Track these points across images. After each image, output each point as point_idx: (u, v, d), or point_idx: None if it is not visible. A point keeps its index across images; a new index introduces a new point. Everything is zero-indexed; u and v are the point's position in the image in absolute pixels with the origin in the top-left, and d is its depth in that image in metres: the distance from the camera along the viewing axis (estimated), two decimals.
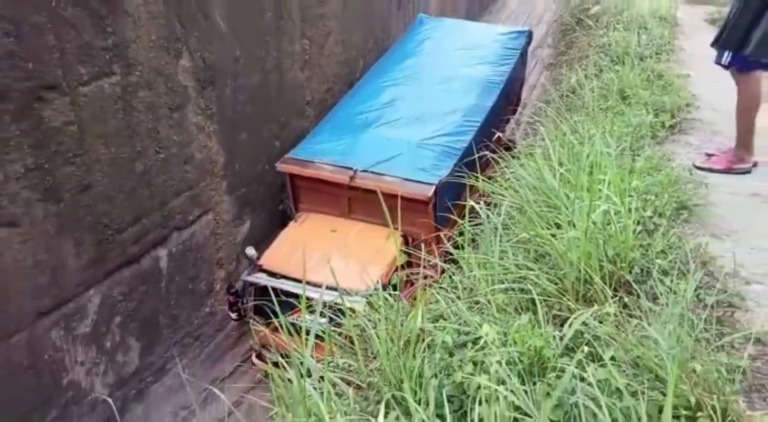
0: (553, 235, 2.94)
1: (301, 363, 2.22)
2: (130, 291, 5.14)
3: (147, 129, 5.02)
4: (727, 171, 4.26)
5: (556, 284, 2.74)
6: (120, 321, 5.08)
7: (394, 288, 2.94)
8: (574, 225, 2.90)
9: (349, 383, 2.42)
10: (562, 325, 2.33)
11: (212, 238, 6.14)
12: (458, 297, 2.80)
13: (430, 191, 5.49)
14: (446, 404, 1.96)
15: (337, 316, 2.93)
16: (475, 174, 4.05)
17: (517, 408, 1.89)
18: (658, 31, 7.79)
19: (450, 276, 3.18)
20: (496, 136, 6.30)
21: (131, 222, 5.02)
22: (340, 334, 2.84)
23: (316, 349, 2.47)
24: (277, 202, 6.91)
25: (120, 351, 5.14)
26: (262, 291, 5.18)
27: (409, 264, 4.85)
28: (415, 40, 8.40)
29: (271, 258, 5.55)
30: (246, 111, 6.29)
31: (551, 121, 5.22)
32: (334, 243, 5.56)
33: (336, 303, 2.96)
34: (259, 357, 5.64)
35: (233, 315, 5.57)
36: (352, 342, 2.61)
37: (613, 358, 2.10)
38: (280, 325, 2.54)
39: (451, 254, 3.44)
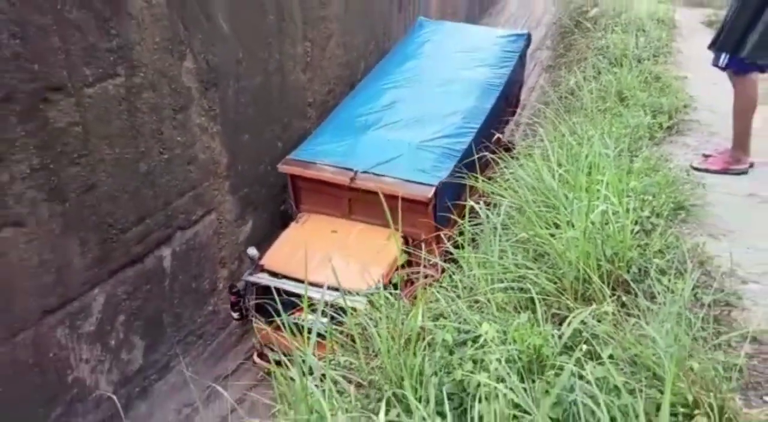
0: (552, 235, 2.94)
1: (303, 361, 2.22)
2: (134, 290, 5.15)
3: (151, 130, 5.02)
4: (724, 172, 4.26)
5: (555, 283, 2.73)
6: (124, 320, 5.09)
7: (395, 287, 2.94)
8: (573, 225, 2.90)
9: (350, 381, 2.42)
10: (560, 324, 2.33)
11: (215, 238, 6.14)
12: (458, 296, 2.80)
13: (430, 192, 5.49)
14: (446, 401, 1.95)
15: (339, 315, 2.94)
16: (475, 174, 4.05)
17: (517, 406, 1.89)
18: (655, 33, 7.79)
19: (450, 276, 3.18)
20: (496, 137, 6.31)
21: (135, 222, 5.03)
22: (341, 333, 2.84)
23: (318, 348, 2.47)
24: (279, 202, 6.91)
25: (124, 349, 5.15)
26: (264, 291, 5.18)
27: (409, 264, 4.85)
28: (415, 42, 8.40)
29: (273, 258, 5.55)
30: (248, 112, 6.29)
31: (550, 122, 5.22)
32: (334, 244, 5.56)
33: (337, 303, 2.95)
34: (261, 356, 5.64)
35: (235, 315, 5.58)
36: (353, 341, 2.61)
37: (611, 356, 2.09)
38: (283, 324, 2.54)
39: (451, 253, 3.44)
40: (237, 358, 6.28)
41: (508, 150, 5.67)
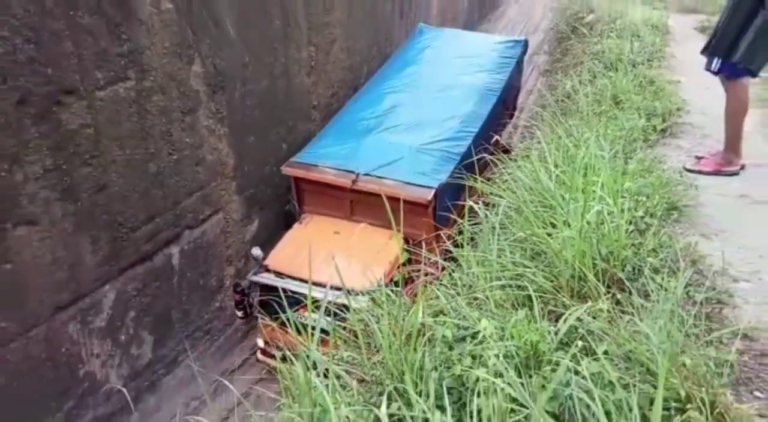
0: (549, 234, 2.94)
1: (307, 356, 2.23)
2: (144, 287, 5.15)
3: (160, 132, 5.03)
4: (716, 173, 4.26)
5: (552, 281, 2.73)
6: (134, 316, 5.09)
7: (396, 284, 2.94)
8: (569, 225, 2.90)
9: (352, 375, 2.42)
10: (557, 321, 2.33)
11: (222, 236, 6.15)
12: (458, 294, 2.80)
13: (429, 194, 5.48)
14: (446, 396, 1.96)
15: (342, 311, 2.94)
16: (474, 175, 4.05)
17: (514, 400, 1.89)
18: (650, 38, 7.78)
19: (450, 274, 3.18)
20: (494, 139, 6.30)
21: (145, 221, 5.03)
22: (344, 329, 2.84)
23: (322, 344, 2.47)
24: (284, 202, 6.92)
25: (134, 344, 5.15)
26: (268, 290, 5.18)
27: (409, 263, 4.85)
28: (415, 48, 8.38)
29: (277, 258, 5.55)
30: (255, 115, 6.30)
31: (547, 124, 5.22)
32: (337, 244, 5.55)
33: (339, 302, 2.96)
34: (264, 353, 5.63)
35: (239, 314, 5.57)
36: (356, 337, 2.61)
37: (606, 352, 2.09)
38: (287, 322, 2.54)
39: (451, 252, 3.44)
40: (243, 353, 6.29)
41: (506, 152, 5.66)
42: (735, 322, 2.53)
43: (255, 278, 5.37)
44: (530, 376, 2.04)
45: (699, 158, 4.45)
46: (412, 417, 1.98)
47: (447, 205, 5.53)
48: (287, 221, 6.57)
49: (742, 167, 4.29)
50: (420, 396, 2.03)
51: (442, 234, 4.14)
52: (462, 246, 3.26)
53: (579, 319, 2.28)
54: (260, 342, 5.62)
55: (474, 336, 2.29)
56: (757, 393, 2.21)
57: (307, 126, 7.37)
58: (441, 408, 1.92)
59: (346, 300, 2.73)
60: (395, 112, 6.76)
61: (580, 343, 2.08)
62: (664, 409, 1.83)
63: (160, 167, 5.09)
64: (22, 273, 4.03)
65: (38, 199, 4.05)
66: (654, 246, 2.96)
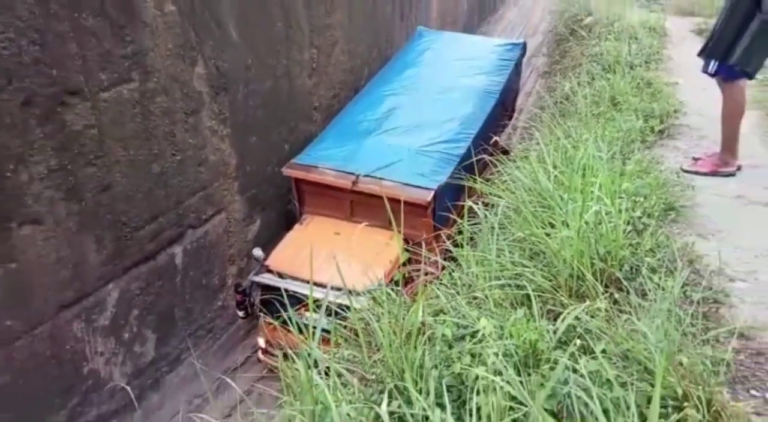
0: (548, 234, 2.94)
1: (309, 354, 2.23)
2: (147, 286, 5.15)
3: (164, 132, 5.03)
4: (712, 174, 4.25)
5: (550, 281, 2.73)
6: (137, 314, 5.10)
7: (396, 284, 2.94)
8: (568, 225, 2.90)
9: (353, 373, 2.42)
10: (555, 320, 2.33)
11: (225, 236, 6.15)
12: (457, 293, 2.79)
13: (429, 196, 5.48)
14: (446, 393, 1.96)
15: (343, 310, 2.94)
16: (474, 176, 4.05)
17: (513, 398, 1.89)
18: (647, 41, 7.77)
19: (449, 273, 3.18)
20: (494, 140, 6.29)
21: (148, 221, 5.04)
22: (345, 327, 2.84)
23: (323, 343, 2.47)
24: (286, 202, 6.92)
25: (137, 342, 5.16)
26: (269, 290, 5.17)
27: (409, 263, 4.84)
28: (415, 51, 8.38)
29: (278, 259, 5.54)
30: (257, 116, 6.30)
31: (546, 126, 5.21)
32: (337, 245, 5.54)
33: (339, 302, 2.95)
34: (265, 353, 5.62)
35: (241, 314, 5.57)
36: (356, 335, 2.61)
37: (604, 351, 2.09)
38: (288, 321, 2.54)
39: (451, 252, 3.43)
40: (245, 352, 6.29)
41: (505, 153, 5.66)
42: (731, 321, 2.53)
43: (256, 278, 5.37)
44: (529, 374, 2.04)
45: (696, 159, 4.44)
46: (412, 415, 1.98)
47: (447, 205, 5.52)
48: (289, 221, 6.57)
49: (739, 168, 4.29)
50: (420, 393, 2.03)
51: (442, 234, 4.14)
52: (462, 246, 3.26)
53: (577, 318, 2.28)
54: (261, 342, 5.61)
55: (473, 334, 2.29)
56: (754, 392, 2.21)
57: (309, 127, 7.38)
58: (441, 406, 1.92)
59: (346, 300, 2.73)
60: (395, 114, 6.75)
61: (578, 342, 2.08)
62: (661, 407, 1.83)
63: (163, 167, 5.09)
64: (27, 272, 4.03)
65: (43, 198, 4.05)
66: (651, 246, 2.96)
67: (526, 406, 1.85)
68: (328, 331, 2.79)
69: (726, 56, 4.00)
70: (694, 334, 2.31)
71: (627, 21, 8.61)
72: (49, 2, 3.85)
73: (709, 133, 4.88)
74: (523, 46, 8.64)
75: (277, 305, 4.14)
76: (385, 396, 2.05)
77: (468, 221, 3.34)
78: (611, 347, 2.16)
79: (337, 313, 2.87)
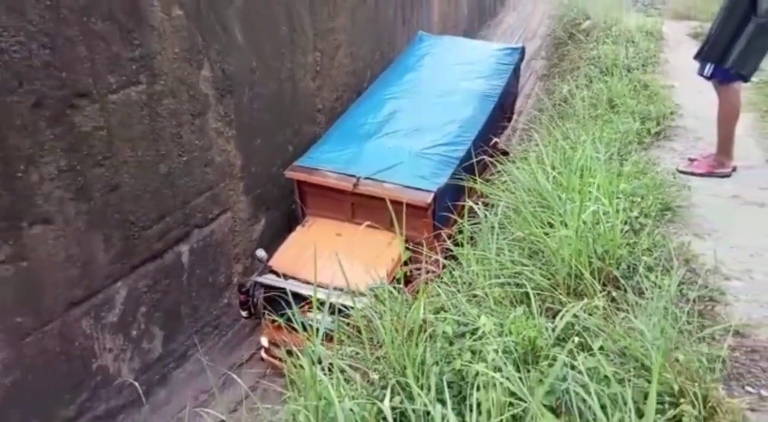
0: (546, 234, 2.94)
1: (313, 351, 2.23)
2: (155, 284, 5.16)
3: (171, 134, 5.04)
4: (708, 175, 4.25)
5: (549, 279, 2.73)
6: (145, 312, 5.10)
7: (398, 282, 2.94)
8: (566, 225, 2.90)
9: (356, 369, 2.42)
10: (554, 317, 2.32)
11: (230, 235, 6.15)
12: (458, 291, 2.79)
13: (429, 198, 5.46)
14: (446, 389, 1.96)
15: (346, 308, 2.94)
16: (474, 177, 4.05)
17: (512, 394, 1.89)
18: (644, 44, 7.76)
19: (450, 272, 3.18)
20: (493, 141, 6.28)
21: (156, 220, 5.04)
22: (348, 325, 2.84)
23: (326, 340, 2.47)
24: (290, 203, 6.91)
25: (145, 339, 5.16)
26: (272, 290, 5.15)
27: (409, 262, 4.84)
28: (415, 55, 8.36)
29: (280, 260, 5.52)
30: (262, 117, 6.30)
31: (545, 127, 5.21)
32: (339, 246, 5.53)
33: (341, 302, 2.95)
34: (267, 352, 5.61)
35: (244, 313, 5.55)
36: (359, 333, 2.61)
37: (601, 348, 2.09)
38: (292, 318, 2.54)
39: (451, 251, 3.43)
40: (250, 348, 6.29)
41: (505, 154, 5.65)
42: (727, 319, 2.52)
43: (259, 279, 5.35)
44: (528, 371, 2.04)
45: (692, 160, 4.44)
46: (413, 411, 1.98)
47: (447, 205, 5.52)
48: (292, 221, 6.57)
49: (734, 169, 4.28)
50: (421, 389, 2.03)
51: (442, 234, 4.13)
52: (462, 245, 3.26)
53: (575, 316, 2.28)
54: (264, 342, 5.60)
55: (474, 332, 2.29)
56: (749, 388, 2.21)
57: (313, 128, 7.38)
58: (442, 402, 1.92)
59: (348, 299, 2.73)
60: (395, 118, 6.74)
61: (576, 339, 2.08)
62: (657, 403, 1.83)
63: (170, 168, 5.10)
64: (37, 271, 4.04)
65: (53, 198, 4.06)
66: (648, 246, 2.96)
67: (526, 402, 1.85)
68: (330, 330, 2.78)
69: (722, 59, 4.00)
70: (690, 332, 2.31)
71: (624, 25, 8.61)
72: (60, 7, 3.86)
73: (705, 134, 4.87)
74: (522, 51, 8.62)
75: (283, 303, 4.15)
76: (388, 392, 2.05)
77: (468, 221, 3.35)
78: (609, 344, 2.16)
79: (340, 311, 2.87)
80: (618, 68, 6.53)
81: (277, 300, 4.84)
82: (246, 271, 6.37)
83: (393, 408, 1.99)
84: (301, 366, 2.21)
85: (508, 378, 1.90)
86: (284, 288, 4.17)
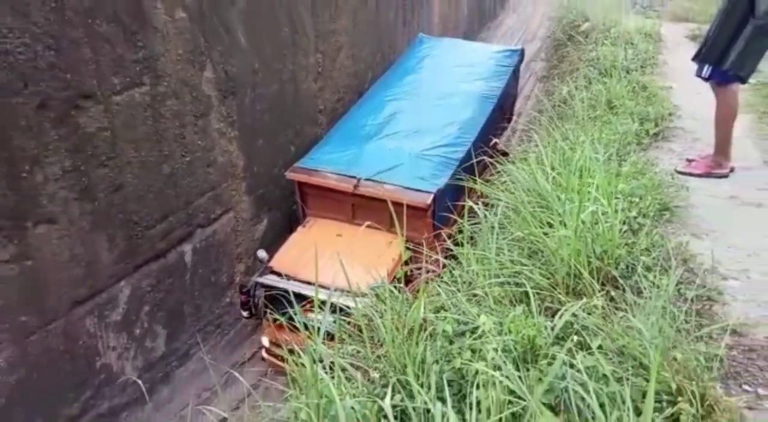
0: (546, 234, 2.94)
1: (314, 350, 2.23)
2: (158, 283, 5.16)
3: (174, 135, 5.04)
4: (706, 175, 4.25)
5: (548, 278, 2.73)
6: (148, 310, 5.11)
7: (399, 281, 2.94)
8: (565, 225, 2.90)
9: (357, 368, 2.42)
10: (553, 316, 2.33)
11: (233, 235, 6.16)
12: (458, 290, 2.80)
13: (429, 199, 5.46)
14: (446, 388, 1.96)
15: (347, 307, 2.94)
16: (474, 177, 4.05)
17: (512, 392, 1.89)
18: (643, 46, 7.76)
19: (450, 271, 3.18)
20: (493, 142, 6.28)
21: (159, 220, 5.05)
22: (348, 323, 2.84)
23: (327, 339, 2.47)
24: (291, 203, 6.92)
25: (148, 337, 5.17)
26: (273, 290, 5.15)
27: (411, 261, 4.84)
28: (416, 57, 8.36)
29: (281, 260, 5.51)
30: (264, 119, 6.31)
31: (544, 128, 5.21)
32: (339, 246, 5.53)
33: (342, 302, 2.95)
34: (268, 352, 5.61)
35: (245, 313, 5.55)
36: (360, 332, 2.62)
37: (600, 347, 2.09)
38: (292, 320, 2.54)
39: (452, 250, 3.43)
40: (252, 347, 6.29)
41: (504, 155, 5.65)
42: (724, 318, 2.52)
43: (260, 279, 5.35)
44: (527, 369, 2.04)
45: (690, 161, 4.44)
46: (414, 408, 1.98)
47: (447, 205, 5.52)
48: (294, 221, 6.57)
49: (732, 170, 4.28)
50: (422, 388, 2.03)
51: (442, 233, 4.13)
52: (462, 245, 3.26)
53: (574, 315, 2.28)
54: (265, 342, 5.59)
55: (473, 330, 2.29)
56: (746, 387, 2.21)
57: (314, 129, 7.38)
58: (442, 400, 1.92)
59: (349, 300, 2.73)
60: (396, 119, 6.74)
61: (575, 338, 2.08)
62: (655, 401, 1.83)
63: (173, 168, 5.10)
64: (41, 270, 4.05)
65: (57, 198, 4.06)
66: (647, 246, 2.96)
67: (525, 400, 1.85)
68: (332, 330, 2.78)
69: (720, 61, 4.00)
70: (688, 331, 2.31)
71: (623, 27, 8.60)
72: (64, 9, 3.86)
73: (703, 135, 4.87)
74: (521, 53, 8.61)
75: (285, 302, 4.15)
76: (389, 390, 2.05)
77: (468, 221, 3.35)
78: (607, 343, 2.16)
79: (341, 310, 2.87)
80: (617, 70, 6.53)
81: (279, 299, 4.84)
82: (248, 271, 6.38)
83: (393, 406, 1.99)
84: (303, 365, 2.21)
85: (507, 377, 1.90)
86: (285, 289, 4.17)
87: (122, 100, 4.45)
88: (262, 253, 5.49)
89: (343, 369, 2.32)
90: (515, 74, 8.45)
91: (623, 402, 1.79)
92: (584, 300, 2.42)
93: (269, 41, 6.19)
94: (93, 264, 4.45)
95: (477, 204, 3.52)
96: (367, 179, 5.73)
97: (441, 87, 7.42)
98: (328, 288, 3.16)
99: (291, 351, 2.44)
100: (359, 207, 5.83)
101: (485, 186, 4.08)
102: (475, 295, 2.76)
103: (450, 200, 5.65)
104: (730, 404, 1.94)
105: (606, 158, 3.92)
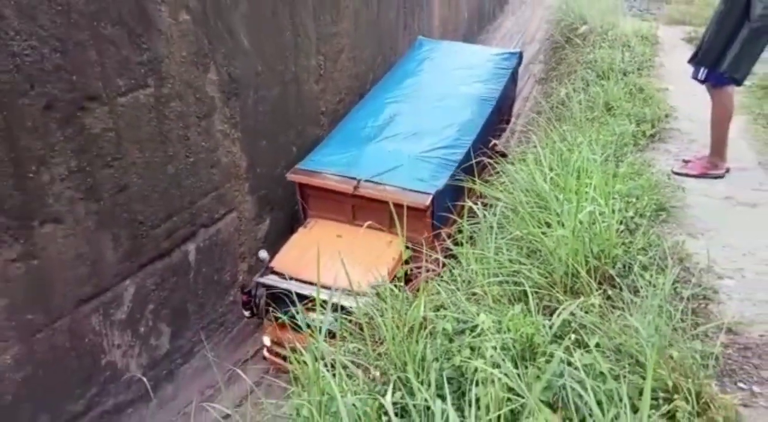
0: (544, 233, 2.94)
1: (316, 348, 2.23)
2: (162, 282, 5.17)
3: (178, 136, 5.04)
4: (702, 176, 4.24)
5: (546, 277, 2.73)
6: (153, 309, 5.11)
7: (399, 280, 2.94)
8: (563, 225, 2.90)
9: (358, 366, 2.42)
10: (551, 315, 2.33)
11: (236, 234, 6.16)
12: (457, 289, 2.80)
13: (427, 200, 5.46)
14: (446, 385, 1.96)
15: (348, 307, 2.94)
16: (473, 178, 4.05)
17: (510, 390, 1.89)
18: (640, 48, 7.74)
19: (450, 270, 3.18)
20: (492, 143, 6.28)
21: (163, 220, 5.05)
22: (350, 322, 2.84)
23: (329, 337, 2.47)
24: (294, 203, 6.92)
25: (152, 335, 5.17)
26: (275, 290, 5.15)
27: (411, 260, 4.83)
28: (415, 60, 8.35)
29: (282, 261, 5.50)
30: (266, 120, 6.31)
31: (542, 129, 5.20)
32: (340, 247, 5.52)
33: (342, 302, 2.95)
34: (270, 352, 5.60)
35: (246, 313, 5.54)
36: (361, 330, 2.62)
37: (597, 345, 2.09)
38: (294, 321, 2.54)
39: (451, 250, 3.43)
40: (255, 344, 6.29)
41: (503, 156, 5.64)
42: (720, 317, 2.53)
43: (261, 280, 5.34)
44: (526, 367, 2.04)
45: (686, 162, 4.43)
46: (414, 406, 1.98)
47: (447, 205, 5.51)
48: (296, 221, 6.57)
49: (727, 171, 4.28)
50: (422, 385, 2.03)
51: (442, 233, 4.12)
52: (462, 245, 3.26)
53: (572, 314, 2.28)
54: (266, 341, 5.59)
55: (473, 329, 2.29)
56: (741, 384, 2.21)
57: (316, 130, 7.38)
58: (441, 397, 1.92)
59: (349, 300, 2.73)
60: (395, 121, 6.74)
61: (573, 336, 2.08)
62: (652, 399, 1.83)
63: (177, 169, 5.10)
64: (47, 269, 4.05)
65: (63, 198, 4.07)
66: (643, 245, 2.96)
67: (523, 397, 1.85)
68: (332, 329, 2.79)
69: (716, 63, 3.99)
70: (684, 329, 2.31)
71: (620, 30, 8.58)
72: (70, 12, 3.87)
73: (699, 137, 4.87)
74: (519, 55, 8.60)
75: (287, 302, 4.14)
76: (390, 387, 2.05)
77: (468, 221, 3.35)
78: (605, 341, 2.16)
79: (343, 309, 2.88)
80: (614, 72, 6.51)
81: (281, 297, 4.84)
82: (251, 270, 6.38)
83: (394, 403, 2.00)
84: (305, 363, 2.22)
85: (506, 374, 1.90)
86: (286, 289, 4.16)
87: (127, 101, 4.46)
88: (263, 254, 5.48)
89: (345, 367, 2.32)
90: (514, 76, 8.44)
91: (620, 400, 1.79)
92: (582, 298, 2.43)
93: (272, 43, 6.19)
94: (98, 263, 4.45)
95: (476, 204, 3.52)
96: (366, 181, 5.72)
97: (440, 89, 7.41)
98: (329, 288, 3.16)
99: (293, 350, 2.45)
100: (359, 208, 5.83)
101: (484, 186, 4.08)
102: (474, 294, 2.76)
103: (449, 200, 5.64)
104: (725, 401, 1.94)
105: (603, 159, 3.92)
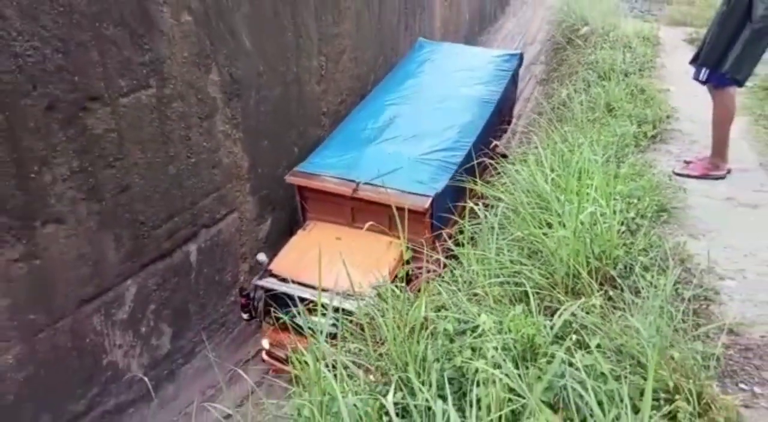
0: (545, 234, 2.93)
1: (317, 348, 2.23)
2: (164, 282, 5.17)
3: (179, 136, 5.05)
4: (703, 177, 4.24)
5: (547, 278, 2.73)
6: (154, 309, 5.11)
7: (400, 281, 2.94)
8: (564, 225, 2.89)
9: (359, 366, 2.42)
10: (552, 315, 2.32)
11: (237, 235, 6.16)
12: (458, 290, 2.79)
13: (427, 203, 5.44)
14: (447, 385, 1.96)
15: (349, 309, 2.94)
16: (474, 178, 4.04)
17: (512, 390, 1.89)
18: (641, 49, 7.73)
19: (451, 271, 3.18)
20: (493, 144, 6.27)
21: (165, 220, 5.05)
22: (351, 323, 2.84)
23: (330, 338, 2.47)
24: (295, 203, 6.90)
25: (154, 335, 5.17)
26: (273, 293, 5.14)
27: (410, 263, 4.82)
28: (416, 62, 8.34)
29: (281, 263, 5.48)
30: (268, 120, 6.31)
31: (544, 130, 5.20)
32: (339, 249, 5.50)
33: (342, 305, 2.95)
34: (269, 354, 5.59)
35: (245, 316, 5.53)
36: (362, 330, 2.62)
37: (598, 346, 2.09)
38: (293, 324, 2.54)
39: (452, 250, 3.43)
40: (256, 345, 6.28)
41: (504, 157, 5.63)
42: (721, 318, 2.52)
43: (260, 282, 5.33)
44: (527, 368, 2.03)
45: (687, 163, 4.42)
46: (415, 406, 1.98)
47: (447, 207, 5.51)
48: (297, 222, 6.57)
49: (729, 172, 4.27)
50: (423, 385, 2.03)
51: (443, 233, 4.12)
52: (463, 245, 3.26)
53: (573, 314, 2.28)
54: (265, 344, 5.57)
55: (474, 329, 2.29)
56: (742, 385, 2.20)
57: (317, 131, 7.39)
58: (442, 397, 1.92)
59: (349, 303, 2.72)
60: (395, 123, 6.73)
61: (574, 337, 2.08)
62: (653, 400, 1.83)
63: (179, 169, 5.11)
64: (49, 269, 4.06)
65: (65, 198, 4.07)
66: (644, 246, 2.95)
67: (524, 398, 1.85)
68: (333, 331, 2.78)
69: (718, 64, 3.99)
70: (685, 330, 2.31)
71: (622, 31, 8.58)
72: (73, 13, 3.88)
73: (700, 137, 4.86)
74: (520, 57, 8.59)
75: (288, 302, 4.14)
76: (391, 387, 2.05)
77: (469, 221, 3.34)
78: (606, 342, 2.16)
79: (343, 310, 2.87)
80: (615, 73, 6.51)
81: (281, 297, 4.84)
82: (252, 270, 6.38)
83: (395, 404, 1.99)
84: (306, 363, 2.22)
85: (507, 375, 1.90)
86: (284, 291, 4.15)
87: (129, 102, 4.46)
88: (261, 257, 5.47)
89: (346, 367, 2.32)
90: (514, 78, 8.44)
91: (621, 400, 1.79)
92: (583, 299, 2.42)
93: (273, 44, 6.19)
94: (100, 263, 4.46)
95: (477, 205, 3.52)
96: (366, 183, 5.71)
97: (440, 91, 7.40)
98: (329, 291, 3.15)
99: (293, 351, 2.45)
100: (359, 210, 5.82)
101: (485, 187, 4.08)
102: (475, 295, 2.76)
103: (450, 201, 5.63)
104: (726, 402, 1.94)
105: (604, 160, 3.92)
